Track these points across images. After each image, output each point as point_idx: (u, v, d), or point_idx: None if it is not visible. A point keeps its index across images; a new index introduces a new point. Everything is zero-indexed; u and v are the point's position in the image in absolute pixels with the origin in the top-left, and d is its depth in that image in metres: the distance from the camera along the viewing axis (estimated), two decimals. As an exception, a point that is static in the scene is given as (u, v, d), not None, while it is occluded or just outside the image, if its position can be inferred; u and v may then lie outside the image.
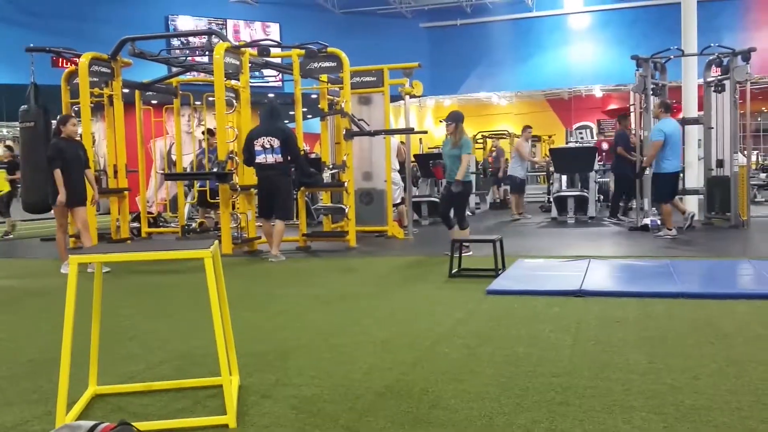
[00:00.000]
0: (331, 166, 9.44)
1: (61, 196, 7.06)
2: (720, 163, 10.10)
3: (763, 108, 25.19)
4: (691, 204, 10.09)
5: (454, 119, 7.77)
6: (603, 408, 2.72)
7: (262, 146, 7.91)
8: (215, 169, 8.47)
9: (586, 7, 20.65)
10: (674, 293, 4.96)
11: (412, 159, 11.51)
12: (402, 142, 11.26)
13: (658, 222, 9.60)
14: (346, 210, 9.08)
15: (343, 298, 5.44)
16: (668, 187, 8.94)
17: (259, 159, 7.95)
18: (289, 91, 9.88)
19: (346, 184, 9.03)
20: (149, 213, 11.48)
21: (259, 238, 8.99)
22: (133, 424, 2.32)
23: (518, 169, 12.64)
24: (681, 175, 9.03)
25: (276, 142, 7.89)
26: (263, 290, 6.05)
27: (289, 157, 8.01)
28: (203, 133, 11.31)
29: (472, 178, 10.02)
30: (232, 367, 3.07)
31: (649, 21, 19.26)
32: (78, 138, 7.74)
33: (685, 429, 2.48)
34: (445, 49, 21.62)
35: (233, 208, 8.94)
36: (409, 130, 10.19)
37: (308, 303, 5.32)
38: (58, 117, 7.56)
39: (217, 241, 2.94)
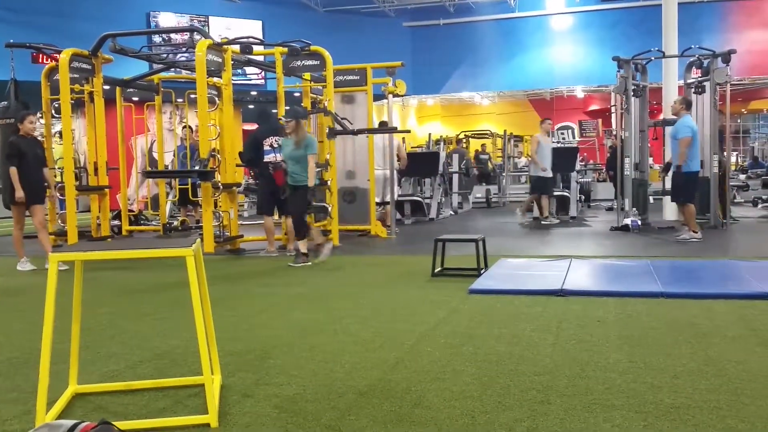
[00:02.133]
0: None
1: (19, 193, 7.07)
2: (700, 164, 10.17)
3: (743, 110, 25.50)
4: (671, 205, 10.16)
5: (294, 115, 7.22)
6: (584, 407, 2.73)
7: (271, 146, 8.12)
8: (197, 167, 8.43)
9: (568, 8, 20.77)
10: (654, 293, 5.01)
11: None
12: (403, 140, 11.21)
13: (639, 223, 9.70)
14: (329, 209, 9.08)
15: (326, 297, 5.43)
16: (692, 186, 8.65)
17: (269, 158, 8.12)
18: (271, 89, 9.86)
19: (329, 182, 9.02)
20: (130, 211, 11.40)
21: (242, 236, 8.96)
22: (113, 423, 2.30)
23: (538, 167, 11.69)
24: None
25: None
26: (245, 289, 6.02)
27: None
28: (183, 128, 11.27)
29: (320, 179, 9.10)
30: (213, 366, 3.05)
31: (630, 22, 19.42)
32: (36, 135, 7.77)
33: (664, 427, 2.50)
34: (428, 49, 21.66)
35: (215, 206, 8.89)
36: (392, 129, 10.20)
37: (291, 302, 5.31)
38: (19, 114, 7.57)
39: (199, 240, 2.93)
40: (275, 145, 8.09)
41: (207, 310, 2.97)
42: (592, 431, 2.49)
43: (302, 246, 7.33)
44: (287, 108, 7.73)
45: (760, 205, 12.47)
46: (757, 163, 20.05)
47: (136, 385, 3.12)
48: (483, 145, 19.93)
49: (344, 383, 3.12)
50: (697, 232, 8.42)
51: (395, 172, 10.70)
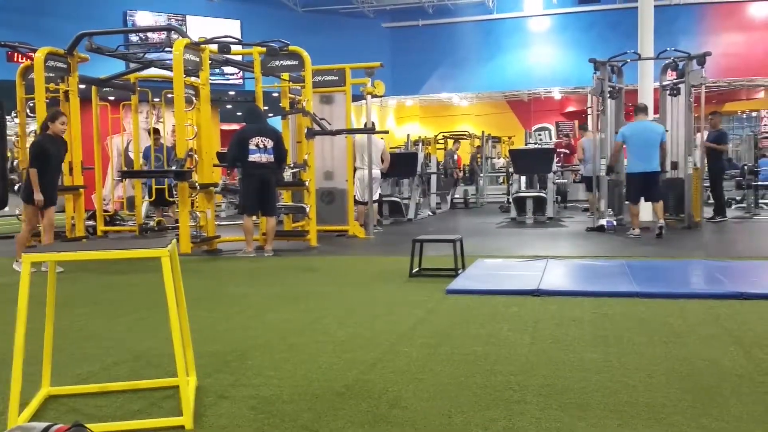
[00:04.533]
0: (292, 165, 9.41)
1: (38, 196, 6.96)
2: (674, 165, 10.32)
3: (717, 111, 25.81)
4: (647, 205, 10.26)
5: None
6: (559, 406, 2.76)
7: (257, 145, 8.12)
8: (174, 167, 8.38)
9: (546, 10, 20.90)
10: (629, 293, 5.06)
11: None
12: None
13: (614, 223, 9.81)
14: (307, 209, 9.06)
15: (303, 298, 5.42)
16: (631, 187, 9.25)
17: (254, 158, 8.11)
18: (250, 89, 9.80)
19: (307, 183, 9.01)
20: (105, 211, 11.28)
21: (218, 237, 8.91)
22: (87, 425, 2.28)
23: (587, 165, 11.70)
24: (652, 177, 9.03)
25: (270, 143, 8.18)
26: (222, 290, 5.99)
27: (278, 157, 8.32)
28: (149, 132, 11.26)
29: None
30: (189, 368, 3.04)
31: (607, 24, 19.59)
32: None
33: (639, 426, 2.53)
34: (407, 50, 21.69)
35: (192, 206, 8.84)
36: (370, 130, 10.20)
37: (268, 302, 5.29)
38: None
39: (175, 240, 2.91)
40: (261, 146, 8.08)
41: (183, 311, 2.96)
42: (568, 430, 2.51)
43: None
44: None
45: (733, 206, 12.65)
46: (731, 164, 20.33)
47: (111, 387, 3.09)
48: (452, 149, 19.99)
49: (321, 384, 3.12)
50: (635, 230, 9.06)
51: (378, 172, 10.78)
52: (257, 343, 3.94)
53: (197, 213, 8.58)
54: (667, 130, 10.43)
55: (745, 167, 12.81)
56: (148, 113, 12.64)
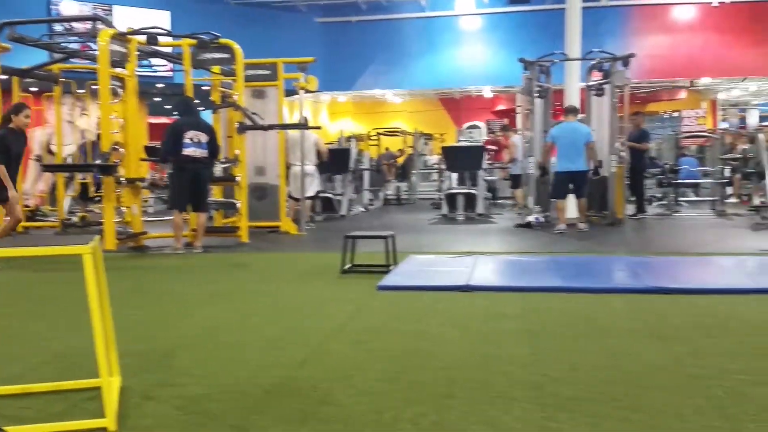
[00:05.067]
0: (223, 160, 9.26)
1: (12, 192, 6.72)
2: (600, 164, 10.60)
3: (640, 111, 26.72)
4: (573, 202, 10.54)
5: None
6: (486, 400, 2.81)
7: (191, 139, 7.93)
8: (98, 161, 8.13)
9: (477, 10, 21.14)
10: (555, 288, 5.20)
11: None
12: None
13: (541, 220, 10.07)
14: (238, 205, 8.95)
15: (232, 295, 5.35)
16: (557, 185, 9.53)
17: (188, 151, 7.92)
18: (179, 82, 9.59)
19: (238, 178, 8.89)
20: (26, 206, 10.85)
21: (145, 233, 8.69)
22: (5, 429, 2.20)
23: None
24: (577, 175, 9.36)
25: (204, 138, 8.00)
26: (149, 287, 5.86)
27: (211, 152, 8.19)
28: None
29: None
30: (112, 368, 2.95)
31: (536, 25, 19.95)
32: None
33: (563, 418, 2.60)
34: (341, 45, 21.61)
35: (118, 201, 8.59)
36: (303, 126, 10.13)
37: (196, 300, 5.20)
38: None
39: (98, 237, 2.83)
40: (195, 141, 7.91)
41: (106, 309, 2.88)
42: (494, 424, 2.56)
43: None
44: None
45: (655, 204, 13.11)
46: (653, 163, 21.06)
47: (34, 388, 2.98)
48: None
49: (250, 382, 3.09)
50: (561, 225, 9.33)
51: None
52: (184, 341, 3.87)
53: (123, 208, 8.33)
54: (593, 130, 10.74)
55: (666, 166, 13.29)
56: (71, 105, 12.20)
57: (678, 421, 2.57)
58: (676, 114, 30.62)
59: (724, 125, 31.25)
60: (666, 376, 3.11)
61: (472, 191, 12.12)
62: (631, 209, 11.41)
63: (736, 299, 4.74)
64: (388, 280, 5.64)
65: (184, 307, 4.94)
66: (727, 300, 4.71)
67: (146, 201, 14.11)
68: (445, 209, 12.35)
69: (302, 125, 10.09)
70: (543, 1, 19.73)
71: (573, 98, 11.63)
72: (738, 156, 13.32)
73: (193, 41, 8.95)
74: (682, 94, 29.45)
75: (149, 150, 11.29)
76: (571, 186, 9.42)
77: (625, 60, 10.18)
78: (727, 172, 13.79)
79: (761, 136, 10.99)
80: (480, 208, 12.15)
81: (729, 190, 13.76)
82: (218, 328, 4.19)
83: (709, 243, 8.24)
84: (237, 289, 5.60)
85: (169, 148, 8.04)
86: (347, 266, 6.27)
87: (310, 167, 10.56)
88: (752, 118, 32.43)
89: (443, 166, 13.99)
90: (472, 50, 21.48)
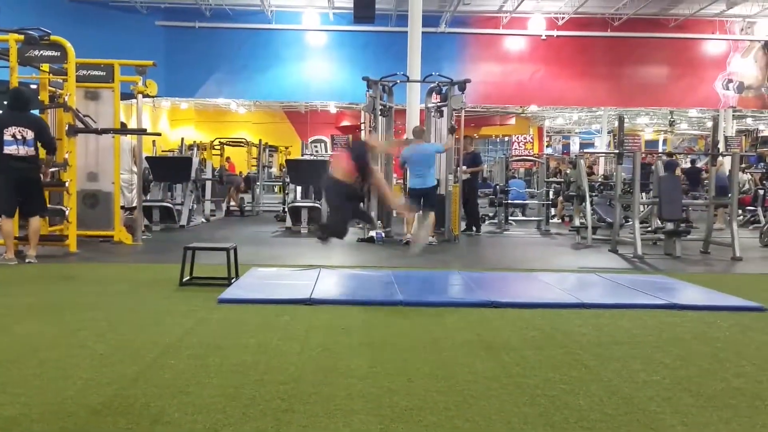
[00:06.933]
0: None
1: None
2: (438, 182, 11.04)
3: (475, 134, 28.16)
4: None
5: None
6: (325, 413, 2.82)
7: (13, 136, 7.28)
8: None
9: (323, 26, 21.33)
10: (395, 302, 5.33)
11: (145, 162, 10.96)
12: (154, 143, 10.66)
13: (383, 235, 10.32)
14: (67, 212, 8.39)
15: (58, 309, 5.00)
16: (411, 199, 9.54)
17: (9, 150, 7.28)
18: (3, 79, 8.87)
19: (67, 183, 8.34)
20: None
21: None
22: None
23: None
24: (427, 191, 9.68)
25: (29, 134, 7.39)
26: (-39, 300, 5.34)
27: (39, 150, 7.58)
28: None
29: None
30: None
31: (380, 45, 20.45)
32: None
33: (399, 429, 2.67)
34: (183, 51, 20.91)
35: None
36: (141, 131, 9.71)
37: (17, 314, 4.81)
38: None
39: None
40: (18, 137, 7.29)
41: None
42: (333, 436, 2.58)
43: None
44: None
45: (487, 222, 13.81)
46: (485, 183, 22.22)
47: None
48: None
49: (75, 401, 2.90)
50: (408, 235, 9.81)
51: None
52: (2, 358, 3.56)
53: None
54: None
55: (497, 187, 14.06)
56: None
57: (506, 429, 2.72)
58: (507, 138, 32.57)
59: (549, 150, 33.75)
60: (496, 386, 3.28)
61: (317, 205, 12.17)
62: (463, 226, 11.94)
63: (558, 313, 5.09)
64: (229, 292, 5.53)
65: (3, 322, 4.53)
66: (550, 314, 5.05)
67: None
68: (289, 222, 12.30)
69: (140, 130, 9.68)
70: (387, 23, 20.25)
71: (414, 117, 12.03)
72: (561, 180, 14.34)
73: (21, 37, 8.34)
74: (513, 120, 31.45)
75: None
76: (422, 201, 9.69)
77: (461, 85, 10.70)
78: (551, 194, 14.86)
79: (582, 161, 11.88)
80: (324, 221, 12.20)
81: (553, 211, 14.81)
82: (41, 344, 3.90)
83: (535, 260, 8.81)
84: (63, 302, 5.24)
85: None
86: (186, 278, 6.07)
87: (126, 176, 10.03)
88: (574, 145, 35.27)
89: (287, 179, 13.94)
90: (318, 65, 21.62)
